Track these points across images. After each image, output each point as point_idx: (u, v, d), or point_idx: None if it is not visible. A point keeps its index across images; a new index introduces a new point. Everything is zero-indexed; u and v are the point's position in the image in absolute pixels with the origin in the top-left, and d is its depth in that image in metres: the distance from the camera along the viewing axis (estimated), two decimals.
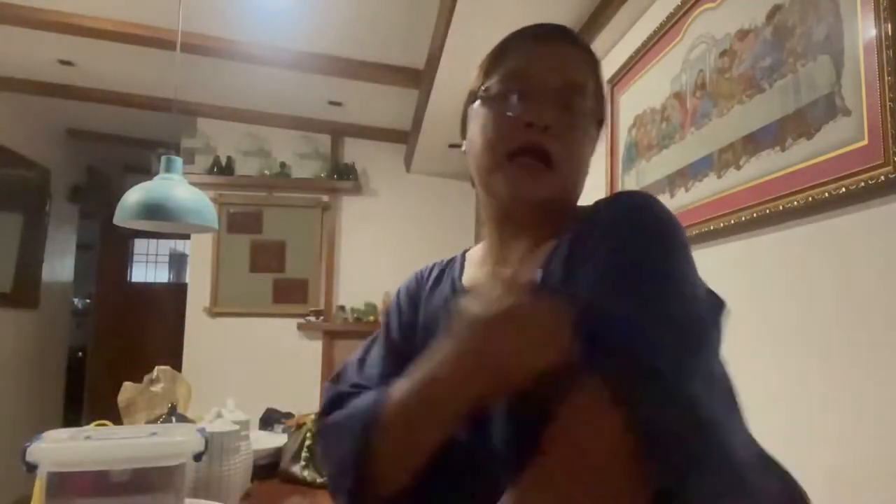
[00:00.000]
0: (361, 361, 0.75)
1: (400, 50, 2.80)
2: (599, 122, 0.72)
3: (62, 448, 1.47)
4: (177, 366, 3.30)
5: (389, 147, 4.04)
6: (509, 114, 0.66)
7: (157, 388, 2.11)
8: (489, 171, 0.68)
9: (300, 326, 3.88)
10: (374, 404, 0.62)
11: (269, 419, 2.06)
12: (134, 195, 1.97)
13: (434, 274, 0.80)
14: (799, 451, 1.21)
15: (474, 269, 0.75)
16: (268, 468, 1.66)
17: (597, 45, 2.23)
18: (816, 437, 1.15)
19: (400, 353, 0.71)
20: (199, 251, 3.89)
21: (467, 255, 0.80)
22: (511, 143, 0.65)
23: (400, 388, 0.60)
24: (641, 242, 0.58)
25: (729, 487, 0.48)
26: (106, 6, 2.51)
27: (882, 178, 0.99)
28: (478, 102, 0.70)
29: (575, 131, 0.67)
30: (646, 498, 0.47)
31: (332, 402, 0.69)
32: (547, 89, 0.66)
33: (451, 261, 0.81)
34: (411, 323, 0.76)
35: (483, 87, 0.70)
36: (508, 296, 0.53)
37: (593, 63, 0.73)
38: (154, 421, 2.03)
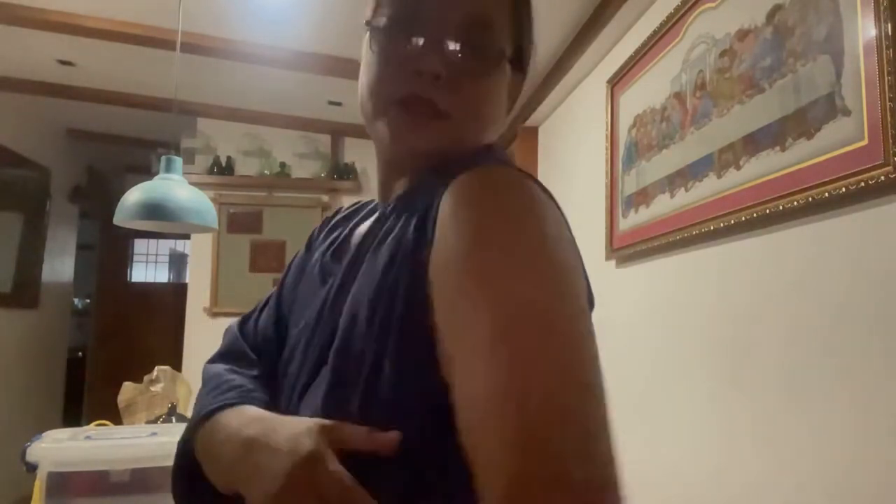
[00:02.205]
0: (266, 302, 0.72)
1: None
2: (516, 58, 0.61)
3: (62, 448, 1.47)
4: (177, 366, 3.30)
5: None
6: (396, 56, 0.57)
7: (157, 388, 2.11)
8: (373, 117, 0.59)
9: None
10: (210, 408, 0.58)
11: None
12: (134, 195, 1.98)
13: (338, 218, 0.75)
14: (812, 445, 1.20)
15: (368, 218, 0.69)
16: None
17: (597, 45, 2.23)
18: (829, 435, 1.15)
19: (281, 306, 0.68)
20: (199, 251, 3.88)
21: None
22: (395, 91, 0.56)
23: (230, 421, 0.56)
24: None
25: None
26: (106, 6, 2.51)
27: (882, 178, 0.99)
28: (367, 36, 0.60)
29: (475, 77, 0.57)
30: None
31: (222, 351, 0.67)
32: (441, 26, 0.55)
33: (365, 205, 0.75)
34: (301, 268, 0.72)
35: (371, 19, 0.59)
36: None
37: None
38: (154, 421, 2.03)
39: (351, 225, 0.71)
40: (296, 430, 0.49)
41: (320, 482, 0.46)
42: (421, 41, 0.55)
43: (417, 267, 0.48)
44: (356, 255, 0.58)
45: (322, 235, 0.75)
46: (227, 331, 0.72)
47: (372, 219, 0.65)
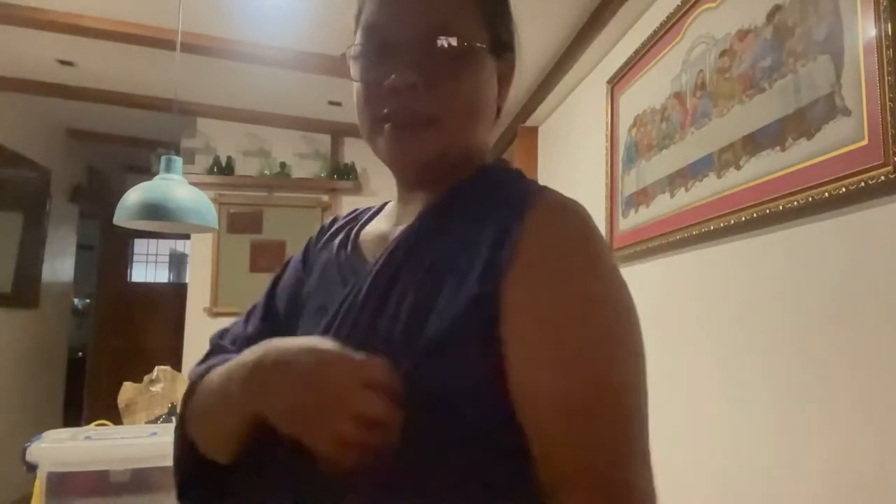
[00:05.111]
0: (248, 315, 0.73)
1: None
2: (496, 44, 0.63)
3: (62, 448, 1.47)
4: (177, 366, 3.30)
5: None
6: (373, 79, 0.61)
7: (157, 388, 2.11)
8: (369, 136, 0.63)
9: None
10: (204, 370, 0.62)
11: None
12: (134, 195, 1.98)
13: (340, 223, 0.75)
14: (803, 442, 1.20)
15: (379, 222, 0.71)
16: None
17: (597, 46, 2.23)
18: (815, 436, 1.15)
19: (274, 309, 0.70)
20: (199, 251, 3.88)
21: (387, 206, 0.74)
22: (379, 109, 0.60)
23: (224, 366, 0.59)
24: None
25: None
26: (106, 6, 2.51)
27: (882, 178, 0.99)
28: (350, 67, 0.65)
29: (452, 77, 0.59)
30: None
31: (204, 357, 0.69)
32: (407, 41, 0.59)
33: (366, 210, 0.76)
34: (299, 275, 0.72)
35: (349, 52, 0.64)
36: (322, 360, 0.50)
37: None
38: (154, 421, 2.03)
39: (357, 227, 0.72)
40: (306, 340, 0.54)
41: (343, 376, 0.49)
42: (391, 60, 0.59)
43: (487, 288, 0.52)
44: (388, 265, 0.59)
45: (322, 242, 0.74)
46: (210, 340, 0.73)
47: (388, 226, 0.67)
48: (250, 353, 0.55)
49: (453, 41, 0.59)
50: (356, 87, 0.63)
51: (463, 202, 0.61)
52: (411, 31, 0.59)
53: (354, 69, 0.62)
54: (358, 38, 0.62)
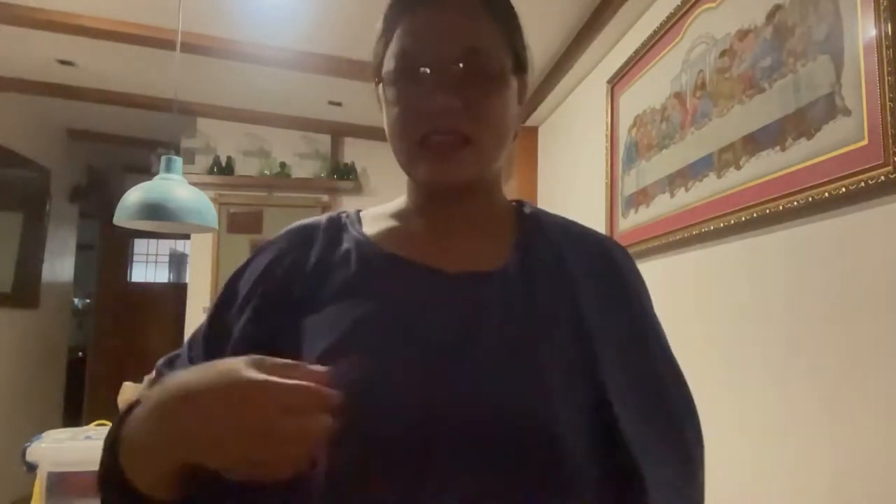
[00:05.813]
0: (194, 339, 0.67)
1: None
2: (517, 65, 0.66)
3: (62, 448, 1.48)
4: None
5: (389, 147, 4.03)
6: (410, 103, 0.62)
7: None
8: (405, 160, 0.64)
9: None
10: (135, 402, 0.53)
11: None
12: (134, 195, 1.98)
13: (323, 230, 0.69)
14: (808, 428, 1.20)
15: (383, 223, 0.70)
16: None
17: (597, 46, 2.23)
18: (813, 438, 1.15)
19: (226, 330, 0.63)
20: (199, 251, 3.89)
21: (362, 214, 0.73)
22: (416, 132, 0.61)
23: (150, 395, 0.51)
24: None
25: None
26: (106, 6, 2.51)
27: (882, 178, 0.99)
28: (380, 89, 0.66)
29: (484, 99, 0.62)
30: None
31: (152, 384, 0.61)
32: (439, 66, 0.60)
33: (338, 217, 0.72)
34: (287, 284, 0.64)
35: (381, 73, 0.65)
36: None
37: (493, 4, 0.65)
38: None
39: (356, 238, 0.68)
40: (229, 362, 0.48)
41: (270, 383, 0.45)
42: (427, 83, 0.60)
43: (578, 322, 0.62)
44: (475, 305, 0.60)
45: (314, 260, 0.67)
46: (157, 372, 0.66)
47: (427, 244, 0.67)
48: (159, 390, 0.50)
49: (488, 64, 0.61)
50: (391, 112, 0.64)
51: (541, 242, 0.67)
52: (448, 55, 0.61)
53: (390, 93, 0.64)
54: (390, 65, 0.63)
